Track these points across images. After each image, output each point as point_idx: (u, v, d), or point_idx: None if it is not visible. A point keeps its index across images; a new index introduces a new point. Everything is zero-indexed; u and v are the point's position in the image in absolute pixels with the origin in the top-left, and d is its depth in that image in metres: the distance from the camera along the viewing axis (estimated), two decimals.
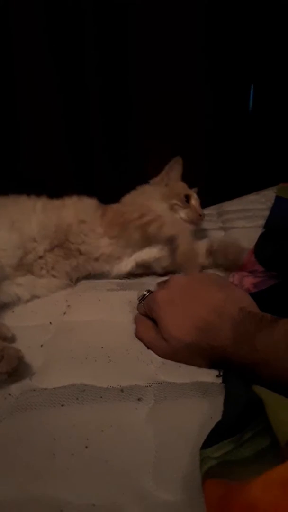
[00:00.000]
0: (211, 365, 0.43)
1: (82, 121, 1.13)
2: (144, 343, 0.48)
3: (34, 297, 0.65)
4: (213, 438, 0.32)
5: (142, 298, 0.52)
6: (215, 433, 0.33)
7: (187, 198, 0.82)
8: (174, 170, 0.87)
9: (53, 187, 0.79)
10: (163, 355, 0.45)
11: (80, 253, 0.71)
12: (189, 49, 1.20)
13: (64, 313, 0.59)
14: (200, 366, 0.43)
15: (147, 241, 0.71)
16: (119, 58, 1.13)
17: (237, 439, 0.32)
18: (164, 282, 0.51)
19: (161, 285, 0.52)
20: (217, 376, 0.41)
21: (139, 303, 0.53)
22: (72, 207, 0.74)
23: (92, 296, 0.63)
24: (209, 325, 0.41)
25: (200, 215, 0.82)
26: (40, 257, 0.68)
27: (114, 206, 0.78)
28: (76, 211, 0.74)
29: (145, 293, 0.52)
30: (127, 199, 0.84)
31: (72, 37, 1.05)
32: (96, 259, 0.71)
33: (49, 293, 0.67)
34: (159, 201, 0.81)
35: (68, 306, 0.61)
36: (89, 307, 0.60)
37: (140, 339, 0.49)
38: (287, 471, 0.26)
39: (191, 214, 0.81)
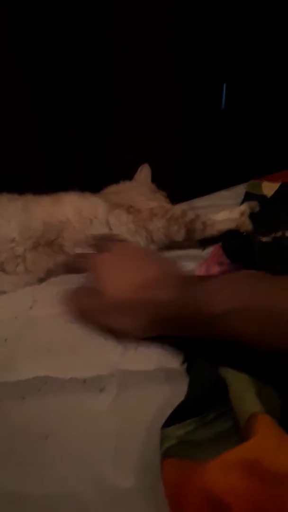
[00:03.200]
0: (144, 328, 0.42)
1: (56, 116, 1.12)
2: (77, 311, 0.49)
3: (1, 292, 0.64)
4: (175, 417, 0.32)
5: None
6: (177, 412, 0.33)
7: None
8: (142, 176, 0.88)
9: (26, 183, 0.78)
10: (95, 316, 0.45)
11: (79, 248, 0.69)
12: (167, 48, 1.21)
13: (30, 308, 0.58)
14: (132, 327, 0.42)
15: (188, 239, 0.73)
16: (95, 53, 1.12)
17: (200, 419, 0.32)
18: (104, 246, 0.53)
19: (101, 248, 0.53)
20: (182, 363, 0.41)
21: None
22: (70, 203, 0.72)
23: (58, 291, 0.62)
24: (151, 282, 0.41)
25: None
26: (17, 256, 0.66)
27: (127, 200, 0.78)
28: (76, 207, 0.72)
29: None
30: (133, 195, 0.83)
31: (46, 46, 1.04)
32: None
33: (16, 288, 0.66)
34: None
35: (35, 300, 0.60)
36: (55, 301, 0.59)
37: (73, 308, 0.49)
38: (244, 453, 0.27)
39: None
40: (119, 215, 0.73)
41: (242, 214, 0.78)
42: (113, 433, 0.34)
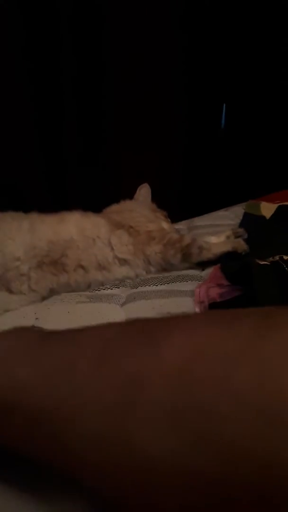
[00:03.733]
0: None
1: (55, 134, 1.13)
2: None
3: (5, 311, 0.65)
4: None
5: None
6: None
7: None
8: (141, 195, 0.90)
9: (25, 194, 0.79)
10: None
11: (82, 267, 0.70)
12: (166, 68, 1.24)
13: (33, 325, 0.59)
14: None
15: (185, 262, 0.75)
16: (94, 73, 1.14)
17: None
18: None
19: None
20: None
21: None
22: (74, 222, 0.74)
23: (60, 309, 0.63)
24: None
25: None
26: (22, 275, 0.67)
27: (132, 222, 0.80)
28: (79, 226, 0.74)
29: None
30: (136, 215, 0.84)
31: (47, 49, 1.06)
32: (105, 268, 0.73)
33: (21, 307, 0.66)
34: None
35: (37, 319, 0.61)
36: (58, 319, 0.60)
37: None
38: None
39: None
40: (121, 236, 0.74)
41: (228, 237, 0.83)
42: None
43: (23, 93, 1.05)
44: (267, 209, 1.02)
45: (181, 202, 1.08)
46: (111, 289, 0.71)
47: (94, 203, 0.87)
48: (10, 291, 0.66)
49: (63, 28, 1.04)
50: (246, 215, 1.01)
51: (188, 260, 0.75)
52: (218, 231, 0.94)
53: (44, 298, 0.69)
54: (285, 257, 0.64)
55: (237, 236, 0.82)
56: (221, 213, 1.12)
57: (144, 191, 0.92)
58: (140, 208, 0.87)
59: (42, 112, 1.08)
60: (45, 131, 1.10)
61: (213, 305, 0.57)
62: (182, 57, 1.27)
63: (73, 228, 0.73)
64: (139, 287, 0.69)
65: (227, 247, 0.75)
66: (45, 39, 1.04)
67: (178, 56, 1.27)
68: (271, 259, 0.64)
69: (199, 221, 1.07)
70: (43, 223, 0.72)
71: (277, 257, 0.64)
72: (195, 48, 1.29)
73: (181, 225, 1.05)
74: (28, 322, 0.59)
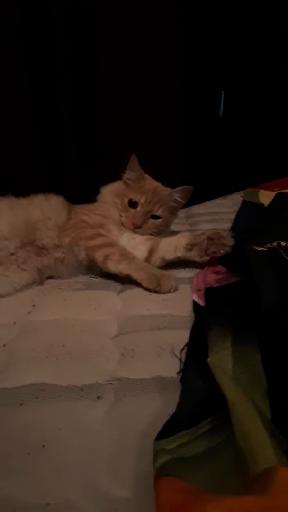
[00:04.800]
0: None
1: (51, 121, 1.12)
2: None
3: (0, 296, 0.65)
4: (167, 430, 0.32)
5: None
6: (169, 424, 0.33)
7: (134, 203, 0.79)
8: (129, 168, 0.83)
9: (22, 187, 0.78)
10: None
11: (47, 250, 0.71)
12: (164, 56, 1.22)
13: (29, 313, 0.59)
14: None
15: (91, 263, 0.70)
16: (90, 61, 1.12)
17: (192, 432, 0.32)
18: None
19: None
20: (178, 372, 0.42)
21: None
22: (39, 205, 0.74)
23: (57, 295, 0.63)
24: None
25: (133, 224, 0.78)
26: (11, 254, 0.68)
27: (80, 210, 0.78)
28: (43, 209, 0.74)
29: None
30: (99, 197, 0.84)
31: (43, 45, 1.05)
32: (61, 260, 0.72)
33: (14, 291, 0.66)
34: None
35: (33, 305, 0.61)
36: (54, 306, 0.60)
37: None
38: (250, 504, 0.26)
39: (124, 219, 0.80)
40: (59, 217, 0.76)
41: (179, 247, 0.70)
42: (109, 442, 0.34)
43: (21, 91, 1.05)
44: (266, 196, 1.02)
45: None
46: (108, 276, 0.71)
47: (88, 189, 0.86)
48: (2, 273, 0.66)
49: (58, 21, 1.03)
50: (244, 202, 1.01)
51: (94, 264, 0.69)
52: (215, 219, 0.94)
53: (36, 281, 0.69)
54: (282, 243, 0.63)
55: (191, 247, 0.69)
56: (219, 201, 1.12)
57: (129, 163, 0.83)
58: (106, 196, 0.84)
59: (40, 109, 1.08)
60: (42, 126, 1.10)
61: (209, 290, 0.57)
62: (180, 45, 1.26)
63: (39, 210, 0.74)
64: None
65: (136, 272, 0.64)
66: (42, 38, 1.03)
67: (176, 44, 1.25)
68: (268, 245, 0.64)
69: (197, 209, 1.06)
70: (19, 203, 0.75)
71: (274, 243, 0.64)
72: (193, 35, 1.27)
73: (180, 213, 1.05)
74: (24, 308, 0.59)
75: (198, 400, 0.35)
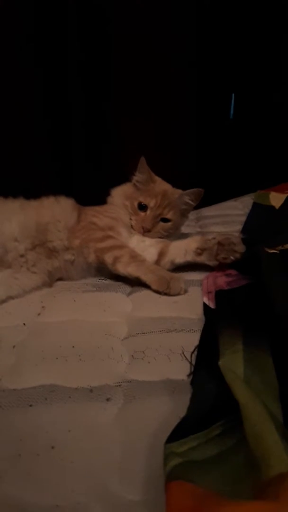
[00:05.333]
0: None
1: (62, 122, 1.13)
2: None
3: (9, 298, 0.65)
4: (178, 433, 0.32)
5: None
6: (180, 427, 0.33)
7: (143, 206, 0.79)
8: (139, 171, 0.82)
9: (32, 187, 0.79)
10: None
11: (57, 253, 0.71)
12: (175, 59, 1.23)
13: (39, 314, 0.59)
14: None
15: (101, 265, 0.70)
16: (101, 65, 1.13)
17: (203, 435, 0.32)
18: None
19: None
20: (188, 375, 0.42)
21: None
22: (49, 207, 0.75)
23: (67, 297, 0.63)
24: None
25: (143, 228, 0.77)
26: (21, 256, 0.69)
27: (90, 212, 0.78)
28: (53, 211, 0.74)
29: None
30: (109, 199, 0.84)
31: (55, 41, 1.05)
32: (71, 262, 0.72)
33: (24, 293, 0.66)
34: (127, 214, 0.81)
35: (43, 307, 0.61)
36: (64, 308, 0.60)
37: None
38: (262, 509, 0.25)
39: (134, 223, 0.79)
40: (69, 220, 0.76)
41: (190, 251, 0.69)
42: (118, 444, 0.34)
43: (32, 92, 1.06)
44: (277, 199, 1.01)
45: None
46: (118, 279, 0.70)
47: (97, 191, 0.87)
48: (12, 275, 0.66)
49: (71, 20, 1.04)
50: (255, 205, 1.00)
51: (104, 266, 0.69)
52: (225, 221, 0.93)
53: (46, 284, 0.69)
54: None
55: (201, 251, 0.67)
56: (229, 203, 1.11)
57: (138, 166, 0.82)
58: (116, 198, 0.84)
59: (51, 110, 1.09)
60: (52, 126, 1.11)
61: (220, 293, 0.56)
62: (191, 47, 1.26)
63: (49, 212, 0.74)
64: None
65: (145, 274, 0.63)
66: (55, 37, 1.04)
67: (187, 46, 1.25)
68: (280, 247, 0.63)
69: (207, 211, 1.06)
70: (30, 205, 0.75)
71: (286, 246, 0.63)
72: (204, 37, 1.27)
73: (190, 215, 1.04)
74: (34, 310, 0.59)
75: (209, 403, 0.35)
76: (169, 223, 0.79)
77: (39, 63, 1.05)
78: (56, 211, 0.75)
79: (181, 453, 0.30)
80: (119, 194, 0.83)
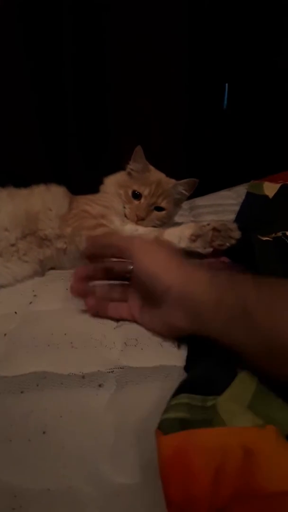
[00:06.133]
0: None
1: (57, 115, 1.12)
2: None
3: (0, 287, 0.64)
4: (184, 388, 0.34)
5: None
6: (186, 383, 0.35)
7: (137, 195, 0.77)
8: (134, 159, 0.81)
9: (27, 180, 0.78)
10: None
11: (50, 241, 0.70)
12: (167, 48, 1.21)
13: (30, 303, 0.58)
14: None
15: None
16: (96, 53, 1.12)
17: (199, 399, 0.33)
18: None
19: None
20: (177, 346, 0.42)
21: None
22: (40, 195, 0.74)
23: (59, 286, 0.62)
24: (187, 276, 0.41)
25: (136, 216, 0.76)
26: (12, 245, 0.68)
27: (82, 200, 0.77)
28: (44, 199, 0.73)
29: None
30: (102, 188, 0.83)
31: (48, 34, 1.04)
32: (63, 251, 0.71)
33: (15, 281, 0.66)
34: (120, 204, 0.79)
35: (35, 295, 0.60)
36: (56, 296, 0.59)
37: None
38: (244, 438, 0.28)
39: (128, 211, 0.78)
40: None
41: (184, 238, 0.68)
42: (111, 429, 0.34)
43: (26, 84, 1.05)
44: (270, 188, 1.00)
45: None
46: None
47: (93, 184, 0.86)
48: (3, 264, 0.66)
49: (66, 11, 1.02)
50: (248, 194, 0.99)
51: None
52: (219, 211, 0.93)
53: (38, 273, 0.69)
54: (287, 233, 0.62)
55: (195, 238, 0.66)
56: (223, 193, 1.11)
57: (133, 154, 0.81)
58: (109, 187, 0.83)
59: (44, 102, 1.08)
60: (46, 119, 1.10)
61: None
62: (184, 37, 1.24)
63: (40, 200, 0.73)
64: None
65: None
66: (48, 28, 1.03)
67: (180, 35, 1.24)
68: (273, 235, 0.63)
69: (200, 201, 1.05)
70: (20, 195, 0.74)
71: (279, 233, 0.63)
72: (196, 27, 1.26)
73: (183, 205, 1.04)
74: (26, 298, 0.59)
75: (204, 377, 0.35)
76: (163, 212, 0.78)
77: (32, 56, 1.03)
78: (47, 199, 0.74)
79: (173, 405, 0.32)
80: (113, 183, 0.82)
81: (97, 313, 0.50)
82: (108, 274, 0.50)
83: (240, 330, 0.35)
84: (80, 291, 0.51)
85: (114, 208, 0.77)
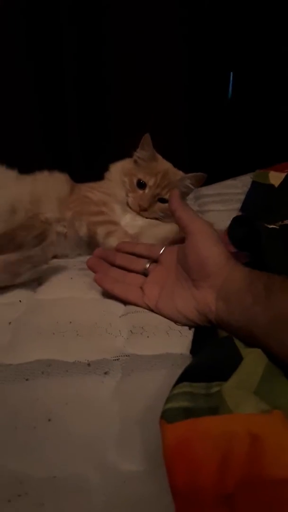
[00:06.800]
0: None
1: (58, 114, 1.11)
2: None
3: None
4: (186, 376, 0.34)
5: None
6: (189, 371, 0.34)
7: (142, 184, 0.76)
8: (141, 147, 0.79)
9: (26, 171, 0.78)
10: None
11: (50, 225, 0.70)
12: (170, 36, 1.19)
13: (35, 292, 0.58)
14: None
15: (91, 240, 0.69)
16: (97, 45, 1.10)
17: (203, 387, 0.32)
18: None
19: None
20: (190, 350, 0.41)
21: None
22: (43, 180, 0.75)
23: (64, 275, 0.62)
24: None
25: (139, 206, 0.75)
26: None
27: (84, 187, 0.77)
28: (47, 183, 0.74)
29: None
30: (107, 175, 0.82)
31: (49, 35, 1.03)
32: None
33: None
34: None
35: (39, 284, 0.60)
36: (61, 285, 0.59)
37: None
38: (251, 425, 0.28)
39: (131, 200, 0.77)
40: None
41: None
42: (117, 417, 0.34)
43: (27, 77, 1.04)
44: (276, 178, 0.99)
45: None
46: None
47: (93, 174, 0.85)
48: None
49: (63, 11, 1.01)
50: (254, 183, 0.98)
51: (95, 240, 0.68)
52: (224, 200, 0.92)
53: None
54: None
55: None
56: (228, 182, 1.10)
57: (141, 142, 0.80)
58: (114, 174, 0.82)
59: (45, 94, 1.07)
60: (47, 110, 1.09)
61: None
62: (187, 25, 1.22)
63: (42, 183, 0.74)
64: None
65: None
66: (48, 24, 1.02)
67: (183, 24, 1.22)
68: (280, 223, 0.62)
69: (206, 190, 1.04)
70: (24, 179, 0.75)
71: (286, 221, 0.62)
72: (200, 14, 1.24)
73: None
74: (30, 287, 0.58)
75: (210, 362, 0.35)
76: (167, 204, 0.77)
77: (32, 56, 1.02)
78: (49, 183, 0.74)
79: (175, 394, 0.31)
80: (118, 170, 0.81)
81: (102, 286, 0.52)
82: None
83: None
84: (95, 264, 0.54)
85: (115, 196, 0.76)
